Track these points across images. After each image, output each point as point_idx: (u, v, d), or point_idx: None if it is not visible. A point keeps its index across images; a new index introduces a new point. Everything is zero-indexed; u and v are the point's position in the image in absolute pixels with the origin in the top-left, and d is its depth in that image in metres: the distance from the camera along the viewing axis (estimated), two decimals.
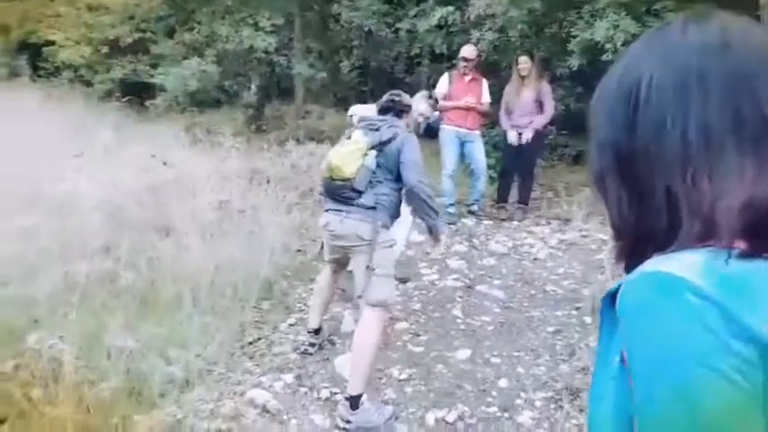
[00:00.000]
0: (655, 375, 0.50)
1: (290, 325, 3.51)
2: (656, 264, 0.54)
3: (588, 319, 3.54)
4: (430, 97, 3.93)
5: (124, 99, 9.53)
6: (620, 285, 0.56)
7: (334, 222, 2.71)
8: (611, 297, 0.57)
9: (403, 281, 4.02)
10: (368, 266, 2.62)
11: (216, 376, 2.87)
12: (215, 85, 8.01)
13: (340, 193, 2.66)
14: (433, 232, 2.85)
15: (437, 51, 8.28)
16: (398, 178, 2.72)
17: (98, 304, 3.10)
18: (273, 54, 7.81)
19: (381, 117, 2.83)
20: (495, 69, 7.22)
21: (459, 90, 5.46)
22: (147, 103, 8.47)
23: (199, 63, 7.50)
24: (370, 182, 2.64)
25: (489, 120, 6.24)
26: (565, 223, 5.63)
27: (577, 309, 3.71)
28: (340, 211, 2.69)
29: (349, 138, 2.78)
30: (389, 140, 2.68)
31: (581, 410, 2.63)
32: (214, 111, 9.74)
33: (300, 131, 7.28)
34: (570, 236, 5.16)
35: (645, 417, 0.51)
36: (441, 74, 8.56)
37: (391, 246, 2.72)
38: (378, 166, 2.64)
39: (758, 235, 0.52)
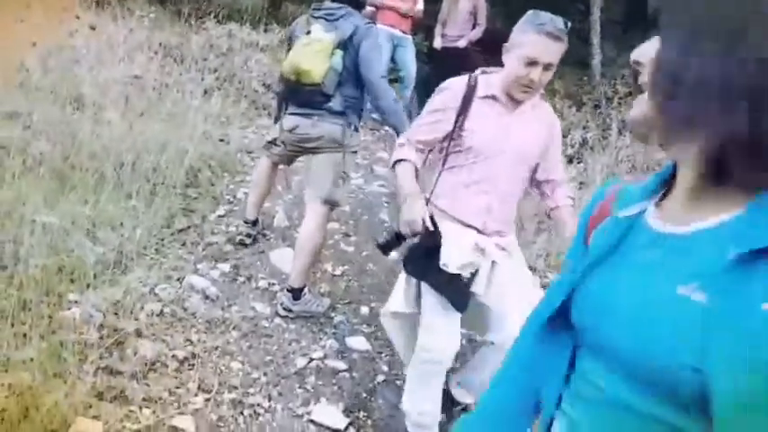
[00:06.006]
0: None
1: (220, 216, 3.47)
2: None
3: None
4: None
5: None
6: None
7: (305, 126, 2.63)
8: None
9: None
10: (344, 172, 2.64)
11: (149, 261, 2.82)
12: None
13: (309, 98, 2.56)
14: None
15: None
16: (360, 76, 2.58)
17: (10, 176, 2.83)
18: None
19: (338, 5, 2.63)
20: None
21: None
22: None
23: None
24: (339, 83, 2.54)
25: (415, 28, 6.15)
26: None
27: None
28: (311, 115, 2.61)
29: (308, 33, 2.60)
30: (351, 36, 2.54)
31: None
32: None
33: (220, 9, 6.65)
34: None
35: None
36: None
37: (356, 151, 2.73)
38: (344, 66, 2.54)
39: None
